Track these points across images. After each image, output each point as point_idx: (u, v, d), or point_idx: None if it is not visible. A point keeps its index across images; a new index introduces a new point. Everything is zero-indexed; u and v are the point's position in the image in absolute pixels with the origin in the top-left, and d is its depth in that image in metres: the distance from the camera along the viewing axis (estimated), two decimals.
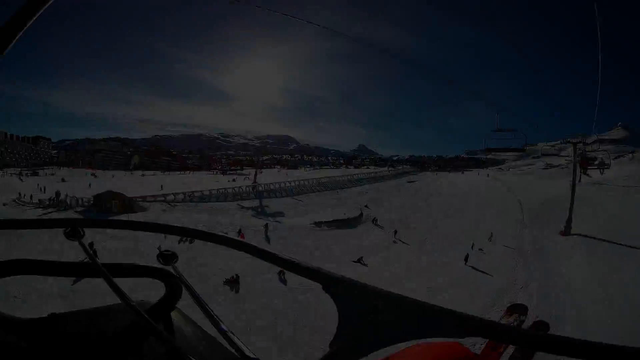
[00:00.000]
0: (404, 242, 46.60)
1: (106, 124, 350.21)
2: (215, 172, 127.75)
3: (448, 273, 38.06)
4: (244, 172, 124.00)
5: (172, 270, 1.91)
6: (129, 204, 55.79)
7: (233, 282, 30.54)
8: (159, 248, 2.32)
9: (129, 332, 1.63)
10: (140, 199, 60.06)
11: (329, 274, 1.27)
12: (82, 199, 57.42)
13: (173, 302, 1.86)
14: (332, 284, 1.24)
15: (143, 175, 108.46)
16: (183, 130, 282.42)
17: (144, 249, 35.67)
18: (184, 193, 65.61)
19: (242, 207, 63.76)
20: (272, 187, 78.92)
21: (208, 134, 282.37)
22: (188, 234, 2.08)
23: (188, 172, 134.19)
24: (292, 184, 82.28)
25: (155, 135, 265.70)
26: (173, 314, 1.83)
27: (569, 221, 49.86)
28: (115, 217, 47.55)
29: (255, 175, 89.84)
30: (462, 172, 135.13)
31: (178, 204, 61.93)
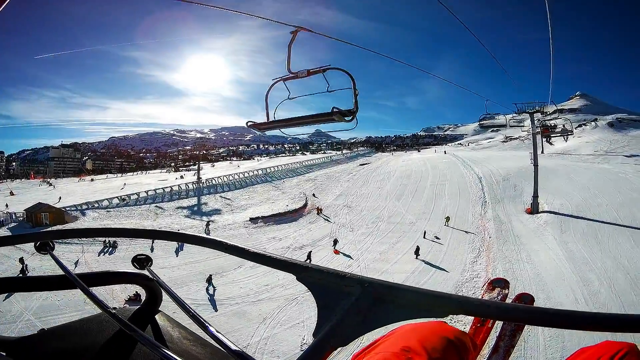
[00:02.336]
0: (345, 255, 39.09)
1: (64, 131, 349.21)
2: (167, 170, 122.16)
3: (395, 272, 33.24)
4: (195, 167, 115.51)
5: (148, 274, 1.84)
6: (60, 216, 52.98)
7: (135, 300, 25.70)
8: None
9: (117, 342, 1.58)
10: (72, 209, 56.44)
11: (302, 263, 1.31)
12: (14, 214, 53.13)
13: (156, 306, 1.83)
14: (306, 274, 1.27)
15: (92, 180, 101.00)
16: (140, 130, 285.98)
17: None
18: (118, 198, 61.93)
19: (178, 208, 60.16)
20: (214, 182, 74.53)
21: (164, 131, 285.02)
22: (157, 235, 2.07)
23: (140, 172, 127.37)
24: (237, 177, 78.60)
25: (112, 137, 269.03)
26: (158, 318, 1.79)
27: (535, 197, 45.61)
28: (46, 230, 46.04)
29: (198, 171, 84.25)
30: (419, 151, 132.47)
31: (111, 210, 58.11)
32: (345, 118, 6.92)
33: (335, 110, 6.70)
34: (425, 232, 41.61)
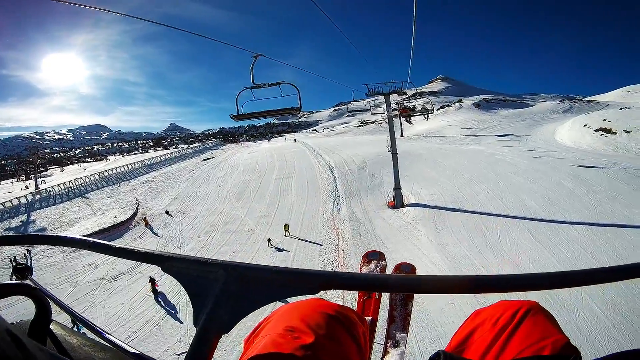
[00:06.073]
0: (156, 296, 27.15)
1: None
2: (18, 179, 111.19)
3: None
4: (47, 173, 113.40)
5: (31, 283, 1.64)
6: None
7: None
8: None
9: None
10: None
11: (164, 254, 1.25)
12: None
13: (48, 316, 1.61)
14: (170, 263, 1.23)
15: None
16: (2, 135, 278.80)
17: None
18: None
19: (6, 229, 50.13)
20: (52, 191, 64.43)
21: (25, 134, 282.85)
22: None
23: None
24: (75, 183, 68.68)
25: None
26: (53, 327, 1.61)
27: (397, 189, 38.55)
28: None
29: (35, 180, 77.42)
30: (269, 140, 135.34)
31: None
32: (297, 112, 14.35)
33: (292, 107, 13.98)
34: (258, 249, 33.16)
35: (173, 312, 24.22)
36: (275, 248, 32.44)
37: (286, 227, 35.43)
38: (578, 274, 0.93)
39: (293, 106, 13.53)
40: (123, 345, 1.27)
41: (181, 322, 22.89)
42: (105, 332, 1.37)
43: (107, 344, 1.37)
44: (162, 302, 25.47)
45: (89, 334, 1.52)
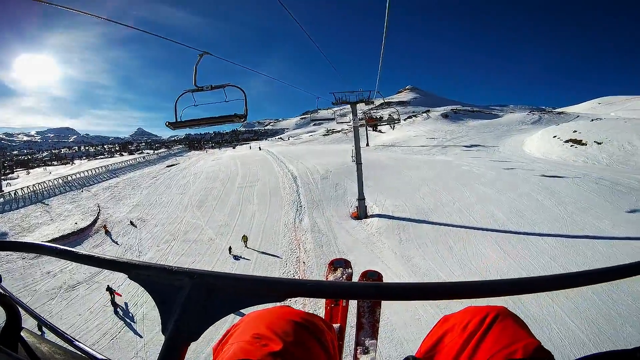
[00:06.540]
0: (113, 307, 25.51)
1: None
2: None
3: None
4: (13, 175, 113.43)
5: (1, 290, 1.70)
6: None
7: None
8: None
9: None
10: None
11: (130, 261, 1.25)
12: None
13: (19, 323, 1.64)
14: (137, 271, 1.23)
15: None
16: None
17: None
18: None
19: None
20: (16, 194, 61.76)
21: None
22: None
23: None
24: (38, 187, 65.89)
25: None
26: (24, 334, 1.63)
27: (361, 199, 38.18)
28: None
29: (0, 183, 74.00)
30: (234, 147, 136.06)
31: None
32: (241, 119, 11.39)
33: (235, 114, 11.23)
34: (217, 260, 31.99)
35: (132, 324, 23.04)
36: (234, 257, 31.59)
37: (244, 238, 33.91)
38: (547, 279, 0.94)
39: (236, 113, 11.25)
40: (92, 352, 1.26)
41: (140, 337, 21.59)
42: (75, 339, 1.35)
43: (77, 352, 1.34)
44: (120, 313, 24.25)
45: (58, 341, 1.50)
